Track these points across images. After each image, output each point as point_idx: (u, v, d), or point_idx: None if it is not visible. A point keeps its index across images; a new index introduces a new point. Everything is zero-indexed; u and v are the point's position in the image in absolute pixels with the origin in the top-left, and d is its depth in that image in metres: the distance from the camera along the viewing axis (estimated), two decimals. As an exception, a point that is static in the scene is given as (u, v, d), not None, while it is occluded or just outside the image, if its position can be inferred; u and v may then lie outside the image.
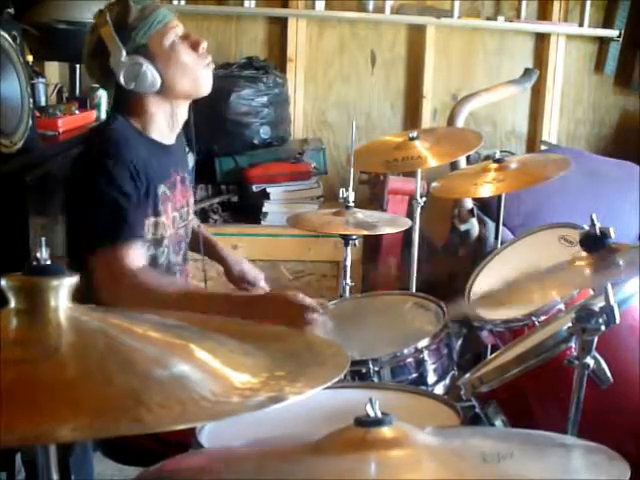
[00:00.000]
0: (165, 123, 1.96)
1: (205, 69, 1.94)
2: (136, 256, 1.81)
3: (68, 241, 1.99)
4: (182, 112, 1.98)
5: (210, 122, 3.31)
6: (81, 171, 1.90)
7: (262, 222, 3.51)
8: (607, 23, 4.06)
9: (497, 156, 2.44)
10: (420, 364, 1.84)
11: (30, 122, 2.23)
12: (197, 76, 1.93)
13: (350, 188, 2.35)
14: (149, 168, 1.89)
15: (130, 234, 1.81)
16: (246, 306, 1.79)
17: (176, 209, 2.00)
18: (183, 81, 1.92)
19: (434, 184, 2.58)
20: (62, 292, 0.84)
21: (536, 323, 1.90)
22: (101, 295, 1.75)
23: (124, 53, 1.86)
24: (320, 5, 3.87)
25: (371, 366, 1.78)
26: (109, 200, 1.80)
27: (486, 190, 2.44)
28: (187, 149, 2.21)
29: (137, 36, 1.88)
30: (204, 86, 1.95)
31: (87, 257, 1.79)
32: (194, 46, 1.92)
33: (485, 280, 2.20)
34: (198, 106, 2.02)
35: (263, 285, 2.27)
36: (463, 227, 3.30)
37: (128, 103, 1.93)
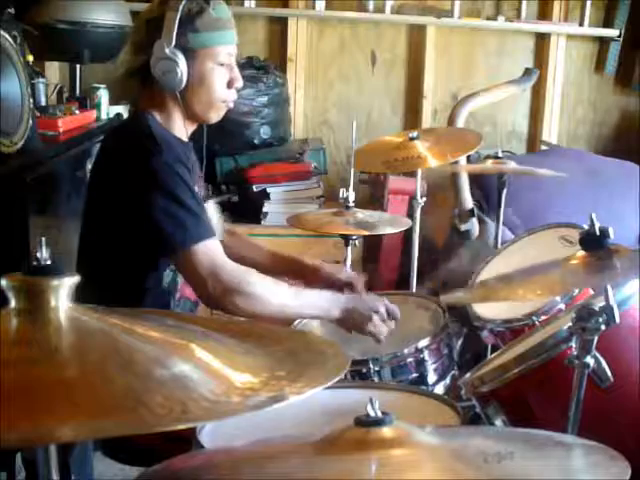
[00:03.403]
0: (181, 123, 1.95)
1: (223, 106, 1.95)
2: (219, 251, 1.78)
3: (89, 242, 1.94)
4: (192, 124, 1.98)
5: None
6: (132, 178, 1.82)
7: (262, 222, 3.51)
8: (607, 23, 4.06)
9: (499, 155, 2.44)
10: (420, 364, 1.84)
11: (30, 122, 2.23)
12: (212, 107, 1.93)
13: (350, 188, 2.35)
14: (189, 167, 1.89)
15: (210, 232, 1.80)
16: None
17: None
18: (200, 102, 1.91)
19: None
20: (62, 292, 0.84)
21: (536, 323, 1.90)
22: (206, 292, 1.74)
23: (172, 44, 1.84)
24: (320, 5, 3.87)
25: (371, 366, 1.78)
26: (186, 202, 1.77)
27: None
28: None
29: (193, 39, 1.86)
30: (211, 119, 1.96)
31: (169, 259, 1.81)
32: (231, 82, 1.92)
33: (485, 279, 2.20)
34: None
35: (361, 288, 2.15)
36: (463, 227, 3.30)
37: (150, 96, 1.93)
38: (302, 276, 2.11)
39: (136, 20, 1.99)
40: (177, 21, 1.83)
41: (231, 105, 1.96)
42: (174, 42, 1.84)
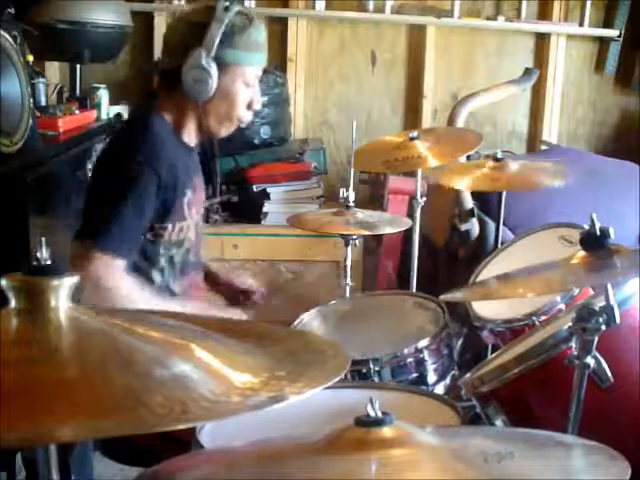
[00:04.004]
0: (193, 131, 1.98)
1: (236, 124, 1.98)
2: (115, 270, 1.81)
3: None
4: (200, 135, 2.02)
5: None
6: (111, 164, 1.90)
7: (262, 222, 3.51)
8: (607, 23, 4.06)
9: (499, 156, 2.44)
10: (420, 364, 1.84)
11: (30, 122, 2.23)
12: (228, 123, 1.97)
13: (350, 188, 2.35)
14: (179, 174, 1.91)
15: (117, 250, 1.81)
16: None
17: (197, 212, 2.04)
18: (218, 115, 1.94)
19: (431, 176, 2.59)
20: (62, 292, 0.84)
21: (536, 323, 1.90)
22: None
23: (212, 52, 1.86)
24: (320, 5, 3.87)
25: (371, 366, 1.78)
26: (125, 209, 1.81)
27: (482, 184, 2.46)
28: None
29: (229, 55, 1.89)
30: (221, 134, 2.00)
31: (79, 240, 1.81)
32: (251, 103, 1.96)
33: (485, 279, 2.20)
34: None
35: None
36: (463, 227, 3.30)
37: (169, 98, 1.95)
38: (210, 281, 2.21)
39: (176, 20, 2.00)
40: (221, 33, 1.86)
41: (243, 125, 2.01)
42: (213, 52, 1.86)
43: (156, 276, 1.97)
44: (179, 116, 1.95)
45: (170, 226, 1.93)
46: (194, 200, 2.00)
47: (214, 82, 1.87)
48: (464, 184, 2.59)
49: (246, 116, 1.98)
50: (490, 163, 2.43)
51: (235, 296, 2.18)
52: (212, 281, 2.21)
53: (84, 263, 1.75)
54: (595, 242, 1.34)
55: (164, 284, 1.98)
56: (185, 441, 1.31)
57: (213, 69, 1.86)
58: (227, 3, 1.88)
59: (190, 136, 1.99)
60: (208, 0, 1.91)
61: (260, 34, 1.94)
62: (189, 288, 2.06)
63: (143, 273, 1.92)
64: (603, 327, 1.27)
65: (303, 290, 3.46)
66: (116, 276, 1.80)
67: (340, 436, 0.91)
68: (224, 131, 1.99)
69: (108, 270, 1.78)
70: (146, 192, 1.83)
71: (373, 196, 3.72)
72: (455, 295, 1.62)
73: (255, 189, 3.52)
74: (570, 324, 1.32)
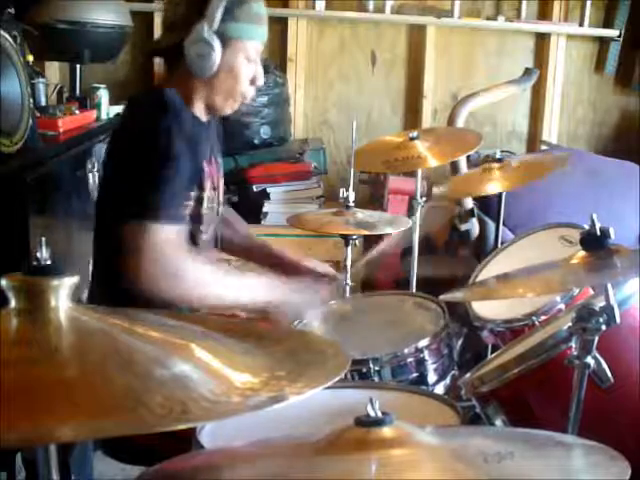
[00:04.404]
0: (202, 105, 1.94)
1: (240, 100, 1.95)
2: (176, 241, 1.75)
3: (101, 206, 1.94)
4: (207, 112, 1.97)
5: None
6: (135, 140, 1.82)
7: (262, 222, 3.51)
8: (607, 23, 4.06)
9: (497, 156, 2.44)
10: (420, 364, 1.84)
11: (30, 122, 2.23)
12: (232, 98, 1.93)
13: (350, 188, 2.35)
14: (196, 143, 1.87)
15: (171, 218, 1.75)
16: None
17: (213, 187, 1.98)
18: (223, 91, 1.91)
19: (437, 190, 2.59)
20: (62, 292, 0.84)
21: (536, 323, 1.90)
22: (129, 267, 1.70)
23: (214, 27, 1.82)
24: (320, 5, 3.87)
25: (371, 365, 1.78)
26: (164, 176, 1.75)
27: (489, 188, 2.46)
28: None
29: (232, 28, 1.85)
30: (226, 110, 1.96)
31: (118, 223, 1.73)
32: (254, 79, 1.93)
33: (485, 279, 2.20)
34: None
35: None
36: (463, 227, 3.30)
37: (174, 76, 1.92)
38: (283, 270, 2.11)
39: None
40: (223, 6, 1.82)
41: (247, 101, 1.96)
42: (215, 25, 1.82)
43: None
44: (186, 92, 1.90)
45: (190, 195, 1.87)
46: (209, 173, 1.96)
47: (217, 57, 1.84)
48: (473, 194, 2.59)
49: (249, 91, 1.94)
50: (493, 165, 2.43)
51: (296, 274, 2.10)
52: (292, 271, 2.13)
53: (144, 242, 1.69)
54: (595, 242, 1.34)
55: None
56: (185, 438, 1.31)
57: (216, 43, 1.83)
58: None
59: (200, 111, 1.95)
60: None
61: (260, 7, 1.91)
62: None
63: None
64: (603, 327, 1.27)
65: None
66: (180, 248, 1.75)
67: (340, 436, 0.91)
68: (229, 108, 1.96)
69: (169, 243, 1.72)
70: (180, 154, 1.77)
71: (373, 196, 3.72)
72: (455, 295, 1.62)
73: (255, 189, 3.52)
74: (570, 324, 1.32)
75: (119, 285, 1.71)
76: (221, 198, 2.09)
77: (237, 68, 1.89)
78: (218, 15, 1.83)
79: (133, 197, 1.75)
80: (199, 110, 1.94)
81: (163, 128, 1.78)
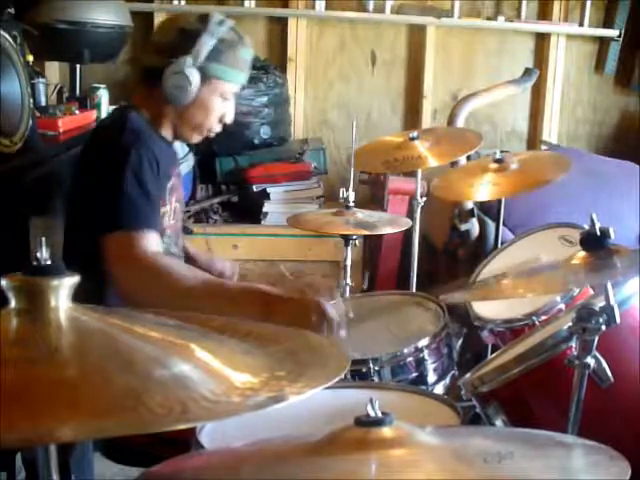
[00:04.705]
0: (169, 128, 2.00)
1: (203, 134, 2.02)
2: (154, 243, 1.80)
3: (71, 227, 2.00)
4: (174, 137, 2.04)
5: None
6: (99, 160, 1.88)
7: (262, 222, 3.51)
8: (607, 23, 4.06)
9: (497, 156, 2.43)
10: (420, 363, 1.84)
11: (30, 122, 2.23)
12: (198, 132, 2.00)
13: (350, 188, 2.35)
14: (160, 159, 1.91)
15: (148, 224, 1.81)
16: (280, 304, 1.70)
17: (177, 200, 2.05)
18: (190, 123, 1.97)
19: (434, 182, 2.58)
20: (62, 292, 0.84)
21: (536, 323, 1.90)
22: (116, 278, 1.74)
23: (198, 63, 1.88)
24: (320, 5, 3.87)
25: (371, 365, 1.78)
26: (133, 191, 1.80)
27: (485, 193, 2.44)
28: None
29: (214, 68, 1.91)
30: (191, 140, 2.05)
31: (99, 240, 1.77)
32: (223, 117, 1.99)
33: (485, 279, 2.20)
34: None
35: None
36: (463, 227, 3.30)
37: (148, 96, 1.96)
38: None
39: (169, 21, 2.02)
40: (212, 45, 1.88)
41: (212, 135, 2.04)
42: (199, 61, 1.88)
43: None
44: (155, 113, 1.97)
45: None
46: (174, 187, 2.01)
47: (193, 91, 1.90)
48: (469, 195, 2.58)
49: (217, 128, 2.01)
50: (492, 165, 2.42)
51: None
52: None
53: (127, 252, 1.74)
54: (595, 242, 1.34)
55: None
56: (183, 442, 1.31)
57: (195, 78, 1.88)
58: (221, 17, 1.92)
59: (167, 132, 2.01)
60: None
61: (247, 53, 1.97)
62: None
63: None
64: (603, 327, 1.27)
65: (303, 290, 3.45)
66: (157, 250, 1.79)
67: (340, 436, 0.91)
68: (193, 139, 2.04)
69: (147, 247, 1.76)
70: (140, 165, 1.82)
71: (373, 196, 3.72)
72: (455, 296, 1.62)
73: (255, 189, 3.52)
74: (570, 324, 1.32)
75: (99, 296, 1.78)
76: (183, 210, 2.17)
77: (210, 105, 1.96)
78: (204, 52, 1.88)
79: (106, 210, 1.80)
80: (166, 131, 2.00)
81: (123, 146, 1.83)
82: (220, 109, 1.97)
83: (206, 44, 1.88)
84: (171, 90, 1.89)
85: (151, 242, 1.78)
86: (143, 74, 2.01)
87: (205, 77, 1.90)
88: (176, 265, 1.81)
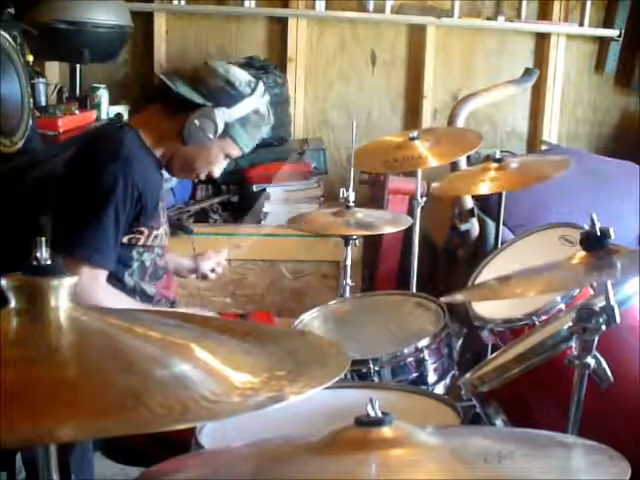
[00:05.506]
0: (163, 155, 2.04)
1: (188, 177, 2.23)
2: (102, 280, 1.86)
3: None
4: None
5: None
6: (86, 179, 1.90)
7: (262, 222, 3.51)
8: (607, 23, 4.06)
9: (497, 156, 2.43)
10: (420, 364, 1.84)
11: (30, 122, 2.24)
12: (185, 172, 2.09)
13: (350, 188, 2.35)
14: (154, 184, 1.96)
15: (105, 263, 1.86)
16: None
17: (165, 219, 2.11)
18: (182, 162, 2.04)
19: (434, 184, 2.58)
20: (62, 292, 0.84)
21: (536, 323, 1.90)
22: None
23: (227, 119, 1.95)
24: (320, 5, 3.87)
25: (371, 366, 1.78)
26: (109, 228, 1.85)
27: (485, 188, 2.44)
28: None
29: (236, 130, 1.99)
30: (174, 174, 2.12)
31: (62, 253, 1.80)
32: (212, 171, 2.07)
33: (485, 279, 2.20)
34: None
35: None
36: (463, 227, 3.30)
37: (163, 113, 1.99)
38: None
39: (221, 67, 2.02)
40: (247, 112, 1.98)
41: (195, 181, 2.28)
42: (225, 115, 1.95)
43: (128, 279, 2.00)
44: (158, 137, 1.99)
45: (146, 231, 1.98)
46: (163, 208, 2.08)
47: (208, 139, 1.95)
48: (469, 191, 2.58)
49: (202, 176, 2.09)
50: (492, 164, 2.42)
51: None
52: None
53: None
54: (595, 242, 1.34)
55: (138, 287, 2.02)
56: (183, 442, 1.31)
57: (218, 131, 1.95)
58: (264, 89, 2.05)
59: (160, 157, 2.04)
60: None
61: (265, 131, 2.08)
62: (161, 289, 2.11)
63: (115, 275, 1.95)
64: (603, 327, 1.27)
65: (303, 290, 3.46)
66: (101, 288, 1.85)
67: (340, 436, 0.91)
68: (178, 175, 2.12)
69: (93, 282, 1.83)
70: (123, 202, 1.86)
71: (373, 196, 3.72)
72: (456, 297, 1.62)
73: (255, 189, 3.52)
74: (570, 324, 1.32)
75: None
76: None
77: (213, 158, 2.03)
78: (238, 114, 1.96)
79: (71, 231, 1.84)
80: (159, 156, 2.03)
81: (113, 173, 1.85)
82: (216, 163, 2.04)
83: (244, 109, 1.97)
84: (191, 128, 1.93)
85: (99, 280, 1.85)
86: (170, 98, 1.97)
87: (224, 133, 1.97)
88: (114, 302, 1.84)
